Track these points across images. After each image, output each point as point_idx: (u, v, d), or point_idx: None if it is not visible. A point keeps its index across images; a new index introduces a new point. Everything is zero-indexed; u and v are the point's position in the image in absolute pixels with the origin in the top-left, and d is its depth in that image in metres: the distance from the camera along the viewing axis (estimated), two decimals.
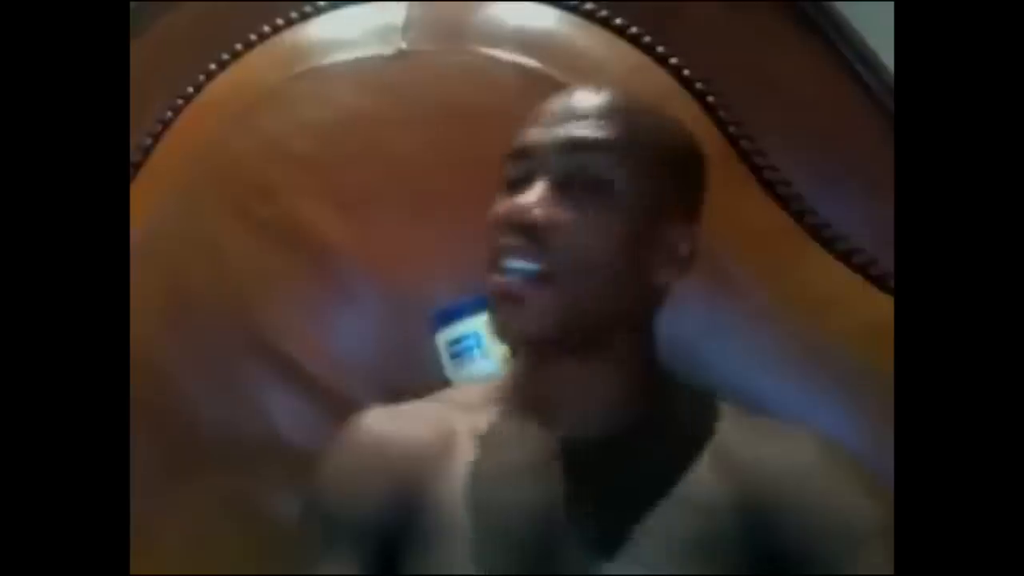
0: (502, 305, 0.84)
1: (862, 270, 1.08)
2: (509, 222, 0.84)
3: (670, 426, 0.89)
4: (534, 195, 0.83)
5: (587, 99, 0.88)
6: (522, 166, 0.87)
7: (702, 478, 0.85)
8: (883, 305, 1.06)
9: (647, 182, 0.87)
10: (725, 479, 0.85)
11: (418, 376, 1.04)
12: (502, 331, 0.86)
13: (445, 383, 1.04)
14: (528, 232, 0.83)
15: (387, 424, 0.92)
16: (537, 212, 0.83)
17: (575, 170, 0.85)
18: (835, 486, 0.84)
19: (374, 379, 1.06)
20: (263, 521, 1.06)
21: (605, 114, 0.87)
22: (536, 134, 0.87)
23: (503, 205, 0.85)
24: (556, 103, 0.89)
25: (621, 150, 0.86)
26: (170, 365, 1.10)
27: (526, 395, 0.90)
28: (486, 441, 0.89)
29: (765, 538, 0.82)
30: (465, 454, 0.88)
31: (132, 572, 0.75)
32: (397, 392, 0.98)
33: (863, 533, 0.80)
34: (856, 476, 0.85)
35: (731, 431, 0.88)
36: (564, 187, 0.84)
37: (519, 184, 0.86)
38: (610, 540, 0.82)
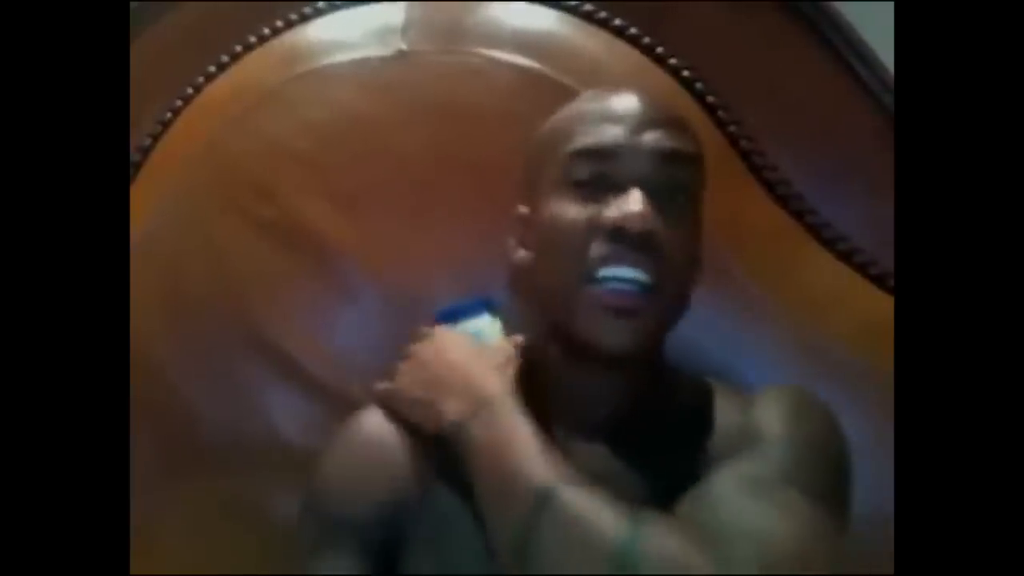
0: (610, 317, 0.82)
1: (862, 269, 1.09)
2: (619, 228, 0.82)
3: (678, 415, 0.89)
4: (638, 204, 0.82)
5: (652, 106, 0.88)
6: (601, 167, 0.85)
7: (716, 462, 0.85)
8: (883, 304, 1.07)
9: (702, 192, 0.90)
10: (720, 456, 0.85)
11: None
12: (606, 344, 0.83)
13: None
14: (640, 241, 0.82)
15: (386, 423, 0.92)
16: (654, 223, 0.82)
17: (669, 180, 0.85)
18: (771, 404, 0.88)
19: (373, 378, 1.05)
20: (263, 521, 1.06)
21: (676, 124, 0.88)
22: (618, 136, 0.85)
23: (615, 214, 0.83)
24: (617, 103, 0.88)
25: (698, 162, 0.88)
26: (170, 365, 1.09)
27: (532, 394, 0.90)
28: None
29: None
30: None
31: (132, 572, 0.75)
32: None
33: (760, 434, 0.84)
34: (797, 401, 0.88)
35: (736, 411, 0.89)
36: (659, 196, 0.84)
37: (596, 185, 0.85)
38: None
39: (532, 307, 0.91)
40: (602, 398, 0.88)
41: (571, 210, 0.85)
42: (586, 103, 0.90)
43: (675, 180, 0.85)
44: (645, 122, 0.86)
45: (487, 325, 0.96)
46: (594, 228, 0.84)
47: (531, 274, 0.90)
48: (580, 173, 0.86)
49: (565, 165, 0.87)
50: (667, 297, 0.84)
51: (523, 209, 0.92)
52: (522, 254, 0.91)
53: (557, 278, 0.85)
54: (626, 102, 0.88)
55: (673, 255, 0.84)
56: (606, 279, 0.83)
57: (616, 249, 0.82)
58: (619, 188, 0.84)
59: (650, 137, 0.85)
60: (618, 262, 0.82)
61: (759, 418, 0.86)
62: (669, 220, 0.84)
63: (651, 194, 0.83)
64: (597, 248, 0.83)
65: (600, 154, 0.85)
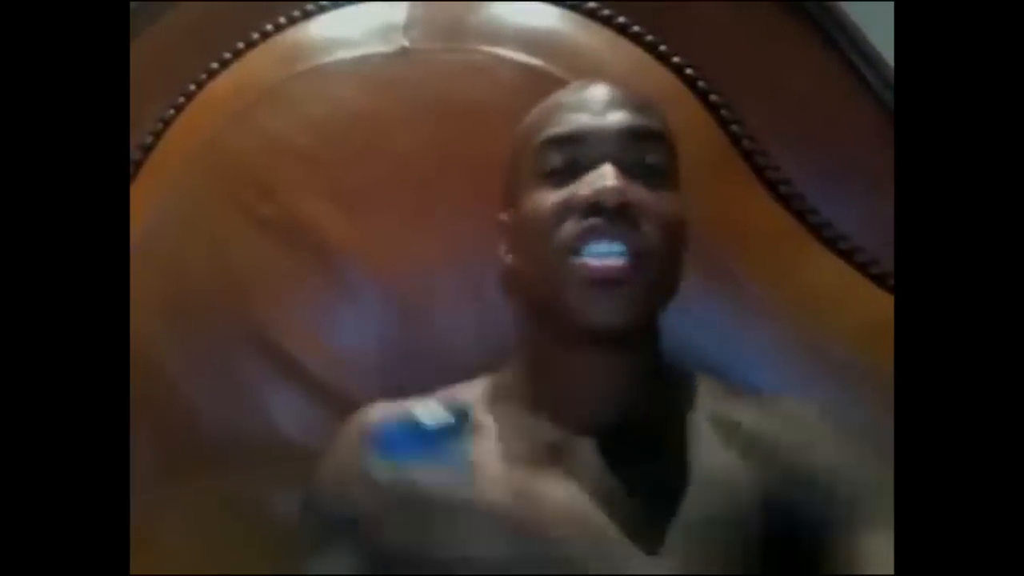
0: (596, 291, 0.82)
1: (863, 269, 1.09)
2: (594, 204, 0.82)
3: (678, 410, 0.90)
4: (610, 178, 0.82)
5: (615, 91, 0.89)
6: (573, 152, 0.86)
7: (717, 457, 0.86)
8: (884, 304, 1.06)
9: (677, 172, 0.89)
10: (739, 454, 0.86)
11: (419, 375, 1.04)
12: (596, 319, 0.83)
13: (445, 383, 1.03)
14: (618, 213, 0.82)
15: (386, 421, 0.92)
16: (628, 193, 0.82)
17: (639, 158, 0.85)
18: (842, 452, 0.87)
19: (375, 377, 1.06)
20: (263, 520, 1.06)
21: (642, 105, 0.88)
22: (587, 121, 0.87)
23: (588, 191, 0.83)
24: (581, 93, 0.89)
25: (667, 140, 0.88)
26: (170, 364, 1.09)
27: (534, 392, 0.90)
28: (492, 435, 0.89)
29: (781, 508, 0.84)
30: (467, 449, 0.88)
31: (132, 572, 0.75)
32: (398, 390, 0.98)
33: (869, 497, 0.83)
34: (856, 442, 0.88)
35: (735, 407, 0.90)
36: (631, 173, 0.84)
37: (568, 171, 0.85)
38: (630, 527, 0.83)
39: (524, 307, 0.91)
40: (606, 393, 0.88)
41: (546, 198, 0.85)
42: (553, 98, 0.91)
43: (645, 157, 0.86)
44: (609, 105, 0.87)
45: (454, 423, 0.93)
46: (569, 208, 0.84)
47: (518, 273, 0.90)
48: (552, 162, 0.86)
49: (537, 157, 0.87)
50: (651, 268, 0.83)
51: (504, 216, 0.92)
52: (509, 259, 0.91)
53: (541, 265, 0.85)
54: (591, 90, 0.89)
55: (652, 226, 0.83)
56: (587, 254, 0.82)
57: (593, 225, 0.82)
58: (590, 168, 0.84)
59: (615, 118, 0.86)
60: (597, 237, 0.82)
61: (809, 451, 0.86)
62: (644, 193, 0.84)
63: (625, 171, 0.84)
64: (574, 227, 0.83)
65: (568, 140, 0.86)
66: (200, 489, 1.08)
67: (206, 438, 1.08)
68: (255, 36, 1.19)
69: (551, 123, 0.88)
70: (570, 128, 0.87)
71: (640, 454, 0.86)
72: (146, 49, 1.17)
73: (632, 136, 0.86)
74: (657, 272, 0.84)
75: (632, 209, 0.82)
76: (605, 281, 0.82)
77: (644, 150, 0.86)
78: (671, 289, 0.88)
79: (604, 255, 0.82)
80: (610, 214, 0.82)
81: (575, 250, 0.83)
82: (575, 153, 0.86)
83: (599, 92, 0.89)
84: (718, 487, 0.84)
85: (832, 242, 1.09)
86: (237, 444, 1.08)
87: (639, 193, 0.83)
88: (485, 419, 0.91)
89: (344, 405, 0.99)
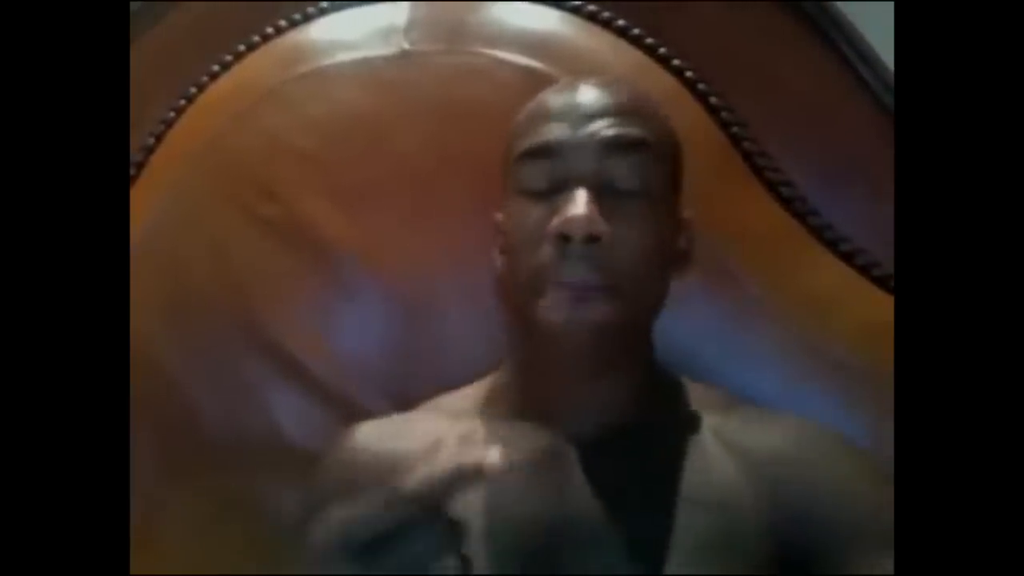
0: (568, 318, 0.80)
1: (864, 271, 1.08)
2: (564, 237, 0.80)
3: (674, 422, 0.88)
4: (581, 207, 0.80)
5: (601, 95, 0.86)
6: (549, 168, 0.84)
7: (716, 472, 0.84)
8: (884, 305, 1.06)
9: (669, 178, 0.87)
10: (742, 472, 0.84)
11: (420, 375, 1.04)
12: (567, 346, 0.82)
13: (446, 383, 1.03)
14: (585, 247, 0.80)
15: (374, 441, 0.91)
16: (599, 227, 0.80)
17: (618, 173, 0.83)
18: (852, 477, 0.84)
19: (375, 377, 1.06)
20: (264, 521, 1.06)
21: (627, 110, 0.85)
22: (562, 133, 0.84)
23: (558, 220, 0.81)
24: (564, 98, 0.87)
25: (654, 147, 0.85)
26: (171, 364, 1.09)
27: (524, 398, 0.89)
28: (480, 446, 0.88)
29: (785, 531, 0.82)
30: (451, 461, 0.87)
31: (132, 572, 0.75)
32: (398, 391, 0.98)
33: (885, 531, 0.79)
34: (869, 466, 0.85)
35: (735, 422, 0.88)
36: (607, 192, 0.82)
37: (546, 187, 0.83)
38: (622, 541, 0.81)
39: (513, 313, 0.91)
40: (594, 405, 0.87)
41: (525, 215, 0.84)
42: (540, 100, 0.89)
43: (625, 170, 0.83)
44: (590, 114, 0.84)
45: None
46: (544, 235, 0.82)
47: (505, 281, 0.89)
48: (529, 176, 0.85)
49: (517, 168, 0.86)
50: (625, 295, 0.82)
51: (498, 215, 0.92)
52: (499, 263, 0.91)
53: (519, 286, 0.85)
54: (577, 95, 0.86)
55: (627, 253, 0.82)
56: (558, 286, 0.81)
57: (564, 257, 0.81)
58: (567, 188, 0.82)
59: (593, 128, 0.84)
60: (568, 270, 0.81)
61: (813, 475, 0.84)
62: (622, 215, 0.82)
63: (601, 189, 0.82)
64: (547, 255, 0.82)
65: (545, 153, 0.84)
66: (200, 489, 1.08)
67: (206, 438, 1.08)
68: (256, 38, 1.20)
69: (530, 133, 0.86)
70: (546, 140, 0.84)
71: (632, 467, 0.85)
72: (147, 51, 1.17)
73: (612, 149, 0.83)
74: (630, 299, 0.83)
75: (603, 240, 0.80)
76: (574, 308, 0.80)
77: (626, 163, 0.83)
78: (654, 305, 0.87)
79: (571, 289, 0.81)
80: (579, 246, 0.80)
81: (544, 281, 0.82)
82: (552, 167, 0.83)
83: (584, 97, 0.86)
84: (716, 504, 0.83)
85: (833, 244, 1.09)
86: (237, 444, 1.08)
87: (617, 217, 0.81)
88: (471, 427, 0.90)
89: (345, 405, 0.99)
